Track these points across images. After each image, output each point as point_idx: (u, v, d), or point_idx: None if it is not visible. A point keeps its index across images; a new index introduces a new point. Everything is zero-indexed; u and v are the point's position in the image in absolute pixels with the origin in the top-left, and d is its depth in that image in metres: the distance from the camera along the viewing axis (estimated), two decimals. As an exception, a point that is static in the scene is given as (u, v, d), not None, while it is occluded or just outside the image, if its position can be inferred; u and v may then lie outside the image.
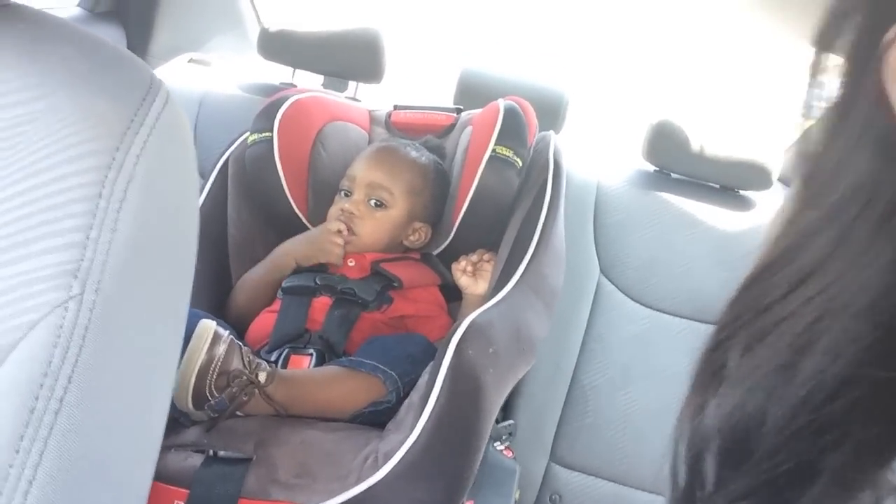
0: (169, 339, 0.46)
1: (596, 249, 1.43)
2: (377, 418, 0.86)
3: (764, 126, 1.52)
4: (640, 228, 1.44)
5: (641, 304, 1.42)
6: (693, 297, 1.41)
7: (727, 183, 1.52)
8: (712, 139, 1.47)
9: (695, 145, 1.47)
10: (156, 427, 0.46)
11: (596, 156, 1.57)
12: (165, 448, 0.79)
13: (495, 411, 0.81)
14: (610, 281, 1.43)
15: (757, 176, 1.47)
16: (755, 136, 1.49)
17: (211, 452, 0.78)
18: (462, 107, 1.31)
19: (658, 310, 1.42)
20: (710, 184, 1.53)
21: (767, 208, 1.51)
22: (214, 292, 1.12)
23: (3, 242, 0.39)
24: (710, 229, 1.45)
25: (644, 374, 1.40)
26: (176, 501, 0.76)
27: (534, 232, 1.02)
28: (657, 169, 1.54)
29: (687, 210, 1.47)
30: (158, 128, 0.43)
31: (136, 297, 0.41)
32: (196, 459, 0.78)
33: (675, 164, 1.50)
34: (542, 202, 1.05)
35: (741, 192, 1.53)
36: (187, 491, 0.75)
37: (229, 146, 1.22)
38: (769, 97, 1.75)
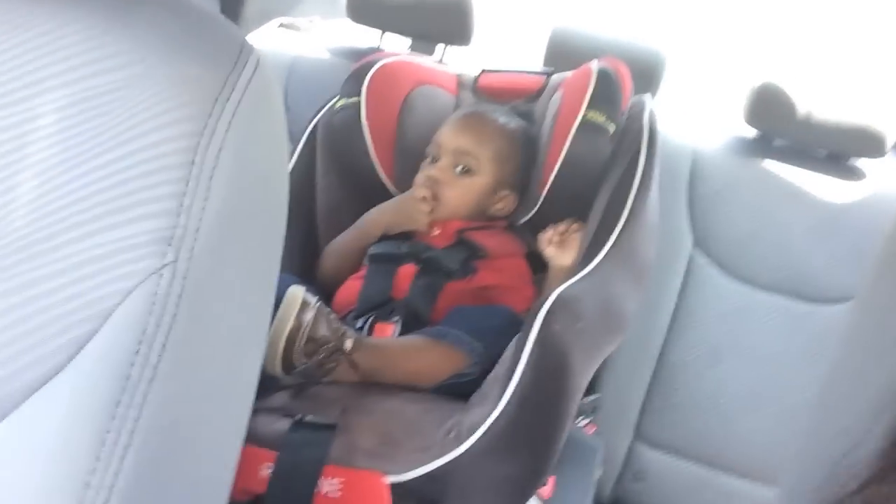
0: (260, 306, 0.46)
1: (690, 221, 1.37)
2: (460, 390, 0.86)
3: (881, 87, 1.40)
4: (739, 198, 1.37)
5: (737, 279, 1.36)
6: (793, 273, 1.33)
7: (835, 149, 1.41)
8: (820, 103, 1.37)
9: (801, 108, 1.37)
10: (246, 394, 0.46)
11: (692, 120, 1.49)
12: (255, 411, 0.80)
13: (582, 389, 0.79)
14: (704, 254, 1.37)
15: (869, 142, 1.36)
16: (870, 99, 1.38)
17: (298, 417, 0.79)
18: (553, 69, 1.26)
19: (754, 286, 1.35)
20: (817, 152, 1.43)
21: (880, 178, 1.40)
22: (303, 258, 1.13)
23: (99, 209, 0.39)
24: (814, 201, 1.36)
25: (736, 352, 1.34)
26: (264, 463, 0.77)
27: (625, 201, 0.97)
28: (758, 135, 1.45)
29: (790, 179, 1.38)
30: (249, 93, 0.42)
31: (228, 263, 0.41)
32: (284, 423, 0.79)
33: (779, 127, 1.41)
34: (635, 170, 1.01)
35: (851, 160, 1.43)
36: (275, 454, 0.76)
37: (318, 112, 1.22)
38: (887, 53, 1.61)
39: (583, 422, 1.06)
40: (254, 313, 0.45)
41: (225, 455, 0.44)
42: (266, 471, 0.77)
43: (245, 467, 0.78)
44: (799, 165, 1.40)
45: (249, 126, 0.42)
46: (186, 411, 0.39)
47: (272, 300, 0.48)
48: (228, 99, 0.41)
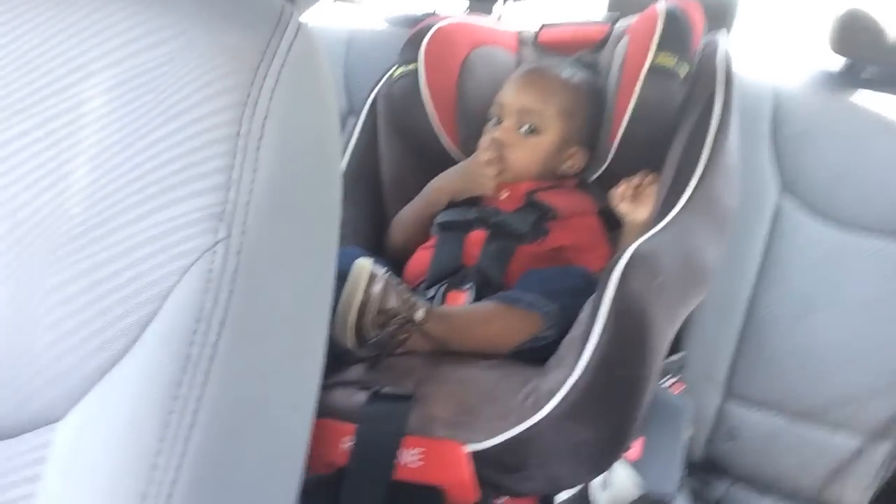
0: (320, 279, 0.45)
1: (775, 164, 1.29)
2: (537, 354, 0.83)
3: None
4: (827, 136, 1.27)
5: (830, 222, 1.27)
6: (892, 212, 1.24)
7: None
8: None
9: (892, 33, 1.26)
10: (312, 368, 0.45)
11: (771, 57, 1.40)
12: (331, 385, 0.81)
13: (664, 348, 0.76)
14: (792, 198, 1.29)
15: None
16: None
17: (374, 389, 0.79)
18: (618, 14, 1.20)
19: (849, 229, 1.26)
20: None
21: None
22: (371, 231, 1.12)
23: (151, 189, 0.38)
24: (912, 134, 1.26)
25: (830, 302, 1.26)
26: (344, 437, 0.77)
27: (702, 148, 0.92)
28: (844, 66, 1.35)
29: (882, 111, 1.28)
30: (291, 58, 0.40)
31: (282, 236, 0.40)
32: (361, 396, 0.79)
33: (868, 54, 1.29)
34: (711, 114, 0.95)
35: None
36: (354, 427, 0.76)
37: (377, 83, 1.21)
38: None
39: (669, 381, 1.02)
40: (313, 285, 0.44)
41: (295, 430, 0.43)
42: (347, 444, 0.77)
43: (326, 441, 0.79)
44: (892, 93, 1.29)
45: (294, 92, 0.40)
46: (250, 388, 0.38)
47: (332, 271, 0.47)
48: (270, 66, 0.39)
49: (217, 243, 0.37)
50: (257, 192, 0.38)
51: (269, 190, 0.38)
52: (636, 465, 0.88)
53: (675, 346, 1.24)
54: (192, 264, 0.37)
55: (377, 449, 0.75)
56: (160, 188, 0.38)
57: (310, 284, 0.43)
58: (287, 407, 0.41)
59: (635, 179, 0.99)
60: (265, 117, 0.38)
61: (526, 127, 1.05)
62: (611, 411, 0.73)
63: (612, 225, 1.06)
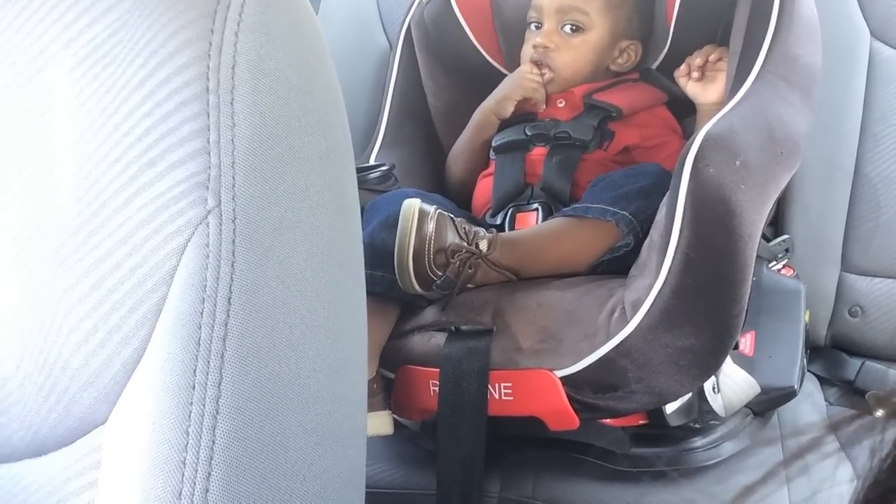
0: (341, 229, 0.41)
1: (861, 8, 1.14)
2: (619, 265, 0.78)
3: None
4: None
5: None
6: None
7: None
8: None
9: None
10: (353, 325, 0.42)
11: None
12: (408, 331, 0.79)
13: (757, 233, 0.68)
14: (886, 44, 1.14)
15: None
16: None
17: (452, 329, 0.76)
18: None
19: None
20: None
21: None
22: (429, 168, 1.08)
23: (133, 168, 0.35)
24: None
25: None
26: (431, 381, 0.75)
27: (771, 5, 0.81)
28: None
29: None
30: None
31: (281, 194, 0.36)
32: (440, 338, 0.76)
33: None
34: None
35: None
36: (437, 370, 0.74)
37: (408, 11, 1.14)
38: None
39: (778, 265, 0.94)
40: (333, 237, 0.39)
41: (345, 393, 0.40)
42: (435, 388, 0.75)
43: (414, 388, 0.78)
44: None
45: (264, 29, 0.36)
46: (275, 363, 0.35)
47: (357, 217, 0.43)
48: (230, 5, 0.35)
49: (208, 214, 0.34)
50: (241, 150, 0.34)
51: (255, 145, 0.35)
52: (750, 361, 0.82)
53: (778, 229, 1.15)
54: (188, 242, 0.34)
55: (464, 388, 0.72)
56: (140, 165, 0.35)
57: (328, 238, 0.39)
58: (330, 372, 0.38)
59: (698, 57, 0.90)
60: (233, 65, 0.34)
61: (569, 26, 0.96)
62: (707, 312, 0.67)
63: (688, 111, 0.96)
